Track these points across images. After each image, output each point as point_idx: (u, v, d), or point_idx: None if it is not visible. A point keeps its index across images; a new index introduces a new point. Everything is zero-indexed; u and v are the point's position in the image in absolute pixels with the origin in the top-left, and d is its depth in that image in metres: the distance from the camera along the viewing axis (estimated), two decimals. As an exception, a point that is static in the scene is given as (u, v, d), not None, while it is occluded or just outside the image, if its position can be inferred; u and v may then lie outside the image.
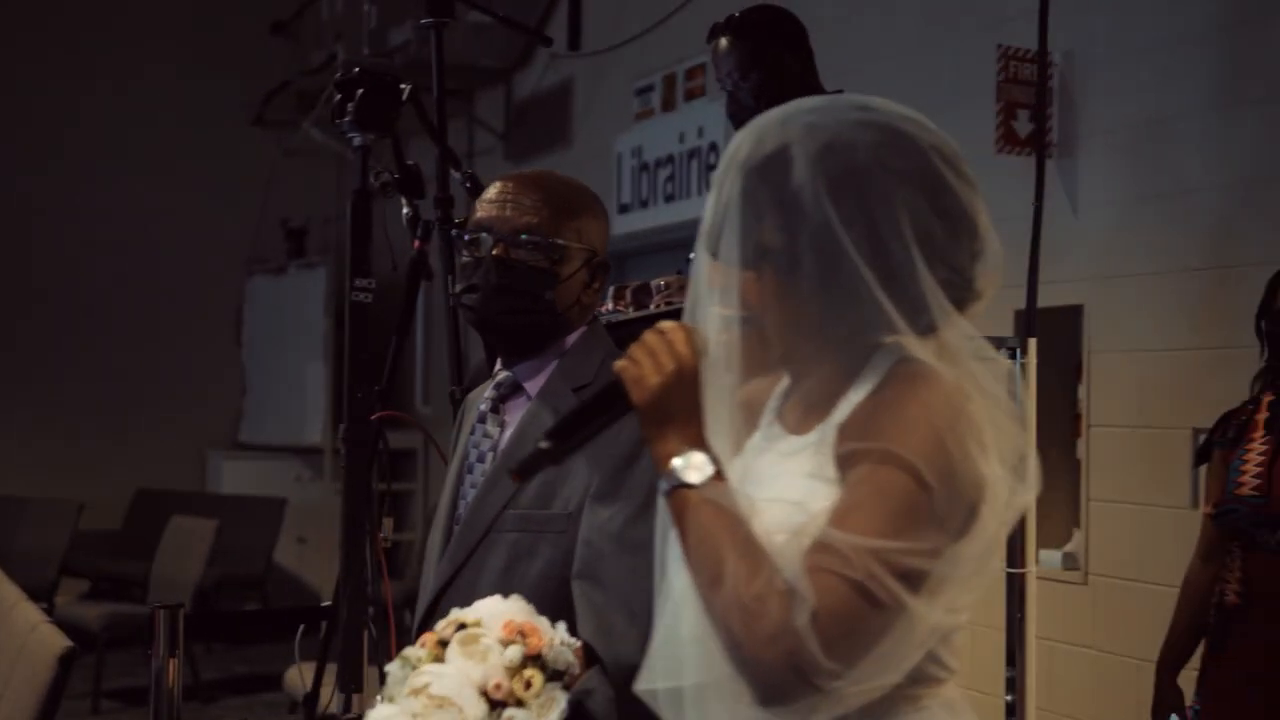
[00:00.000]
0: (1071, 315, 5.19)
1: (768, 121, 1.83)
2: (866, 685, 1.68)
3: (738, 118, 3.92)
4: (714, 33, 4.01)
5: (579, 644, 2.04)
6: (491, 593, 2.18)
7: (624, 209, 8.16)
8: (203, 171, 11.15)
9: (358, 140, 3.48)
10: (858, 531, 1.65)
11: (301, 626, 3.91)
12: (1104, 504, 5.07)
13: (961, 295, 1.80)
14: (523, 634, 2.01)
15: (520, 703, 1.95)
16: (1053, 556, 5.18)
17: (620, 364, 1.83)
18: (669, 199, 7.84)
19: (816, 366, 1.84)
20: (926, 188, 1.78)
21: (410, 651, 2.07)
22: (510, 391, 2.66)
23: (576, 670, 2.04)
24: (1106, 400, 5.08)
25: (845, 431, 1.76)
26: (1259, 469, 3.92)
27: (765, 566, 1.66)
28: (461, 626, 2.05)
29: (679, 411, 1.78)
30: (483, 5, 4.65)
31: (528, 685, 1.96)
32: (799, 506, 1.74)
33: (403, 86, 3.48)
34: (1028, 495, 1.78)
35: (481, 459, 2.60)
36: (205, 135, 11.13)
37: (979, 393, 1.76)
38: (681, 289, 3.67)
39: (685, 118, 7.86)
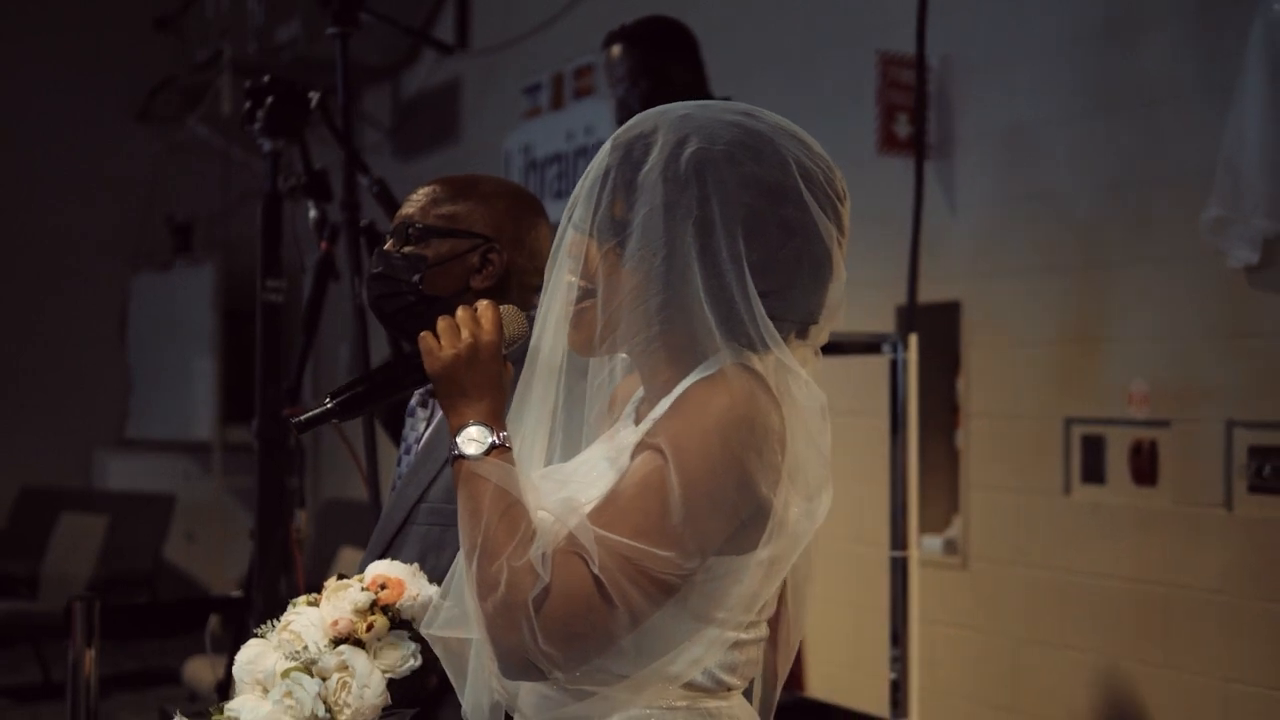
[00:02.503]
0: (950, 311, 5.36)
1: (654, 110, 1.84)
2: (601, 683, 1.72)
3: (625, 124, 4.04)
4: (607, 40, 4.13)
5: None
6: None
7: (513, 206, 8.19)
8: (87, 167, 11.00)
9: (267, 146, 3.58)
10: (611, 524, 1.67)
11: (212, 617, 4.01)
12: (982, 491, 5.22)
13: (794, 315, 1.80)
14: (383, 586, 2.13)
15: (360, 643, 2.07)
16: (934, 542, 5.33)
17: (422, 334, 1.89)
18: (558, 196, 7.93)
19: (655, 360, 1.82)
20: (774, 195, 1.76)
21: (300, 598, 2.20)
22: None
23: None
24: (984, 392, 5.24)
25: (653, 427, 1.75)
26: None
27: (514, 542, 1.70)
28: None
29: (471, 386, 1.83)
30: (381, 13, 4.74)
31: (370, 628, 2.08)
32: (580, 487, 1.77)
33: (311, 94, 3.60)
34: (814, 525, 1.77)
35: (409, 451, 2.63)
36: (89, 130, 11.01)
37: (796, 420, 1.76)
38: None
39: (574, 116, 7.95)
